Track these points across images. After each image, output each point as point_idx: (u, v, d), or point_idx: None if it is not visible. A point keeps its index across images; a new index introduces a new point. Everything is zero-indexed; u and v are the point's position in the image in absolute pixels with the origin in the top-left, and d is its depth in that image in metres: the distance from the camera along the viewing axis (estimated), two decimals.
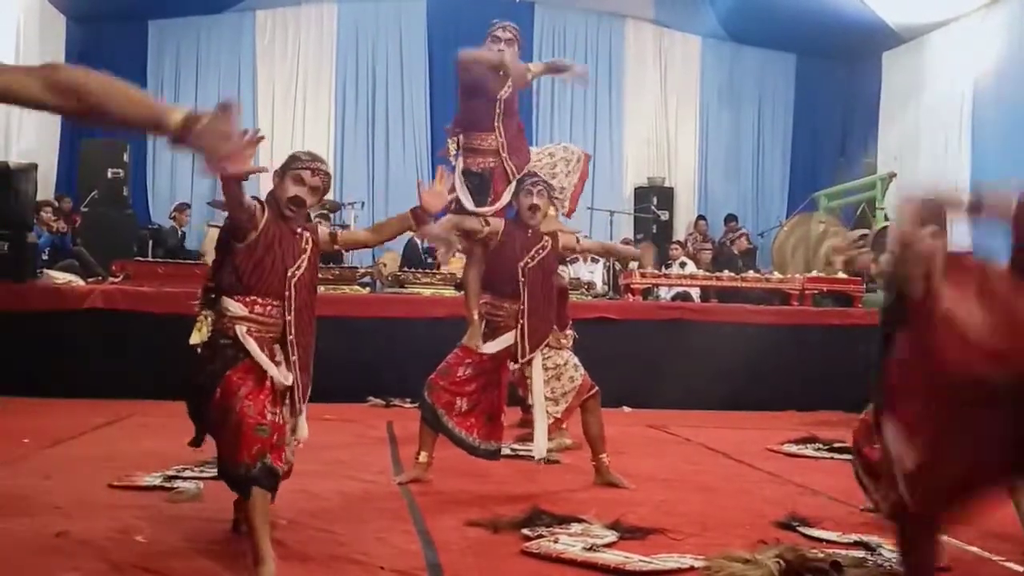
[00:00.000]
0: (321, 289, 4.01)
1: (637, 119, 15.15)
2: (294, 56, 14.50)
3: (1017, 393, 2.28)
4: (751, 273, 10.45)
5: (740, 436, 7.07)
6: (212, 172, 2.25)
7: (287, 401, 3.48)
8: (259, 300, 3.48)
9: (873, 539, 3.77)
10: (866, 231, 10.76)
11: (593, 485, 5.04)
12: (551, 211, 5.41)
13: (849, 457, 4.69)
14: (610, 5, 14.63)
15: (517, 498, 4.51)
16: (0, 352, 7.76)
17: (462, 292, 6.08)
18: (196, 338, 3.44)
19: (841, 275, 9.80)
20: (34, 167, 9.06)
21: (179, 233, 12.35)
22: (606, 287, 11.09)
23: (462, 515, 4.14)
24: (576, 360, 5.16)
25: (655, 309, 9.38)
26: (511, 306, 5.00)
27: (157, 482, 4.59)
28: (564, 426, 5.41)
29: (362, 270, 10.37)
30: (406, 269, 10.09)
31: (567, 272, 8.70)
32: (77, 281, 9.03)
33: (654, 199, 14.27)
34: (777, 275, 10.22)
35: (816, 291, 9.82)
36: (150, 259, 10.36)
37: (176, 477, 4.66)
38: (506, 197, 5.23)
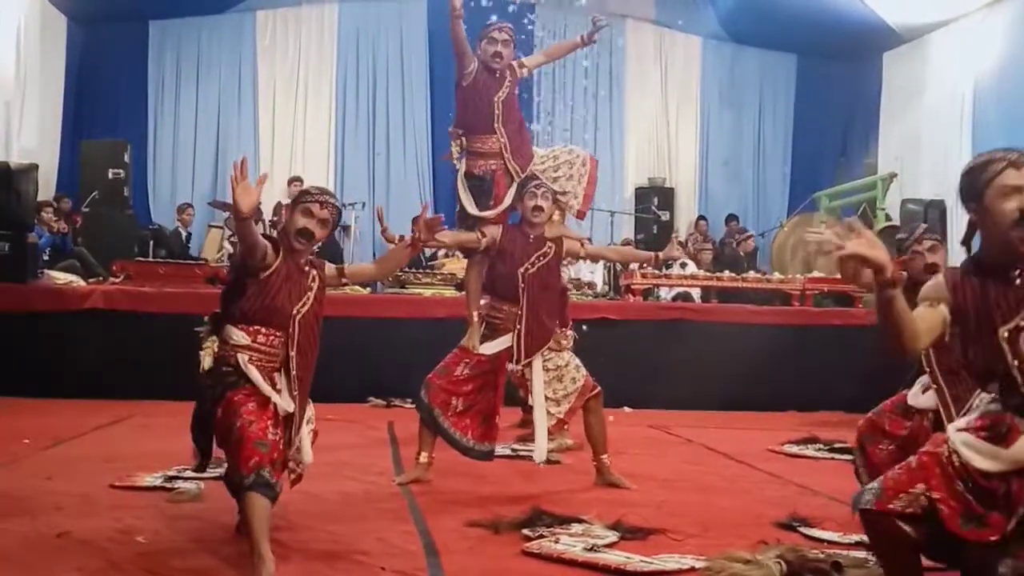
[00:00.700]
0: None
1: (638, 119, 15.15)
2: (295, 56, 14.49)
3: None
4: (752, 273, 10.45)
5: (741, 436, 7.07)
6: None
7: (287, 427, 3.51)
8: (263, 330, 3.53)
9: None
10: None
11: (594, 486, 5.04)
12: (556, 215, 5.40)
13: (850, 458, 4.69)
14: (610, 5, 14.62)
15: (518, 498, 4.51)
16: (1, 352, 7.76)
17: (463, 292, 6.08)
18: (205, 364, 3.48)
19: (839, 276, 9.77)
20: (35, 167, 9.06)
21: (183, 235, 12.35)
22: (606, 287, 11.09)
23: (463, 515, 4.14)
24: (577, 361, 5.17)
25: (656, 309, 9.38)
26: (511, 309, 5.00)
27: (158, 482, 4.59)
28: (566, 427, 5.42)
29: None
30: (407, 269, 10.08)
31: (567, 272, 8.70)
32: (78, 281, 9.04)
33: (655, 199, 14.26)
34: (778, 275, 10.22)
35: (817, 291, 9.81)
36: (151, 259, 10.35)
37: (177, 477, 4.66)
38: (507, 200, 5.21)
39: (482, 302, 5.18)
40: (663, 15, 14.92)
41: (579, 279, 10.39)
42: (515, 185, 5.23)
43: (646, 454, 6.10)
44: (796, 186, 14.99)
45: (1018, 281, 2.54)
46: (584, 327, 6.94)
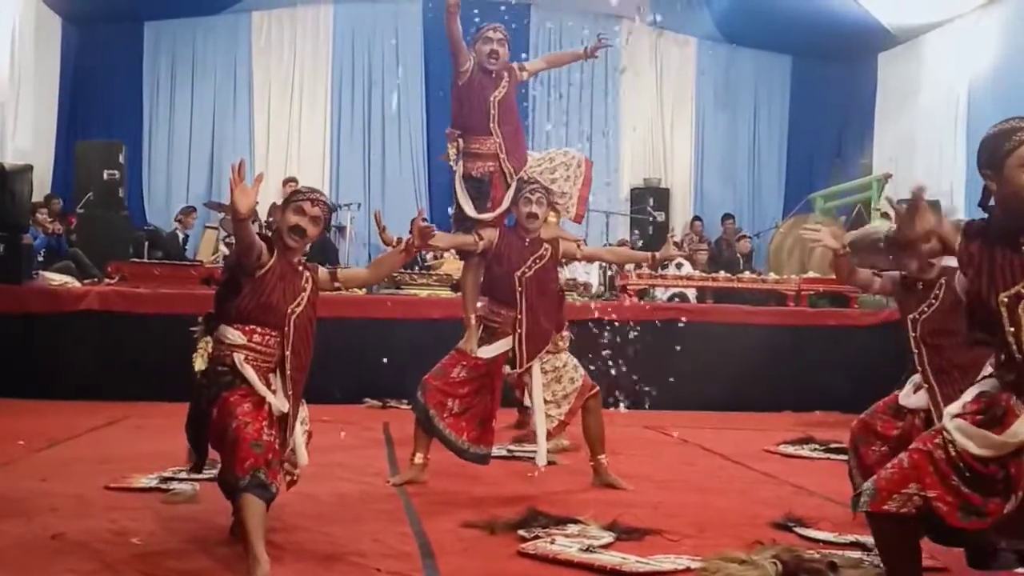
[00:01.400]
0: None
1: (633, 120, 15.15)
2: (290, 57, 14.48)
3: None
4: (747, 274, 10.46)
5: (737, 437, 7.08)
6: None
7: (282, 427, 3.51)
8: (258, 330, 3.53)
9: (869, 539, 3.76)
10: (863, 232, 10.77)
11: (589, 486, 5.04)
12: (552, 217, 5.40)
13: (845, 458, 4.70)
14: (606, 7, 14.63)
15: (513, 499, 4.51)
16: None
17: (459, 294, 6.07)
18: (199, 364, 3.47)
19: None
20: (30, 168, 9.04)
21: (181, 237, 12.32)
22: (602, 288, 11.09)
23: (458, 516, 4.14)
24: (575, 361, 5.16)
25: (651, 310, 9.38)
26: (508, 312, 5.00)
27: (153, 484, 4.59)
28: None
29: None
30: (402, 270, 10.08)
31: (563, 273, 8.69)
32: (73, 283, 9.02)
33: (650, 200, 14.27)
34: (773, 276, 10.22)
35: (812, 292, 9.82)
36: (146, 260, 10.34)
37: (172, 479, 4.66)
38: (505, 203, 5.20)
39: (479, 305, 5.17)
40: (658, 16, 14.92)
41: (575, 280, 10.37)
42: (513, 188, 5.21)
43: (642, 455, 6.10)
44: (791, 187, 15.00)
45: None
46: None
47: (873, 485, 2.55)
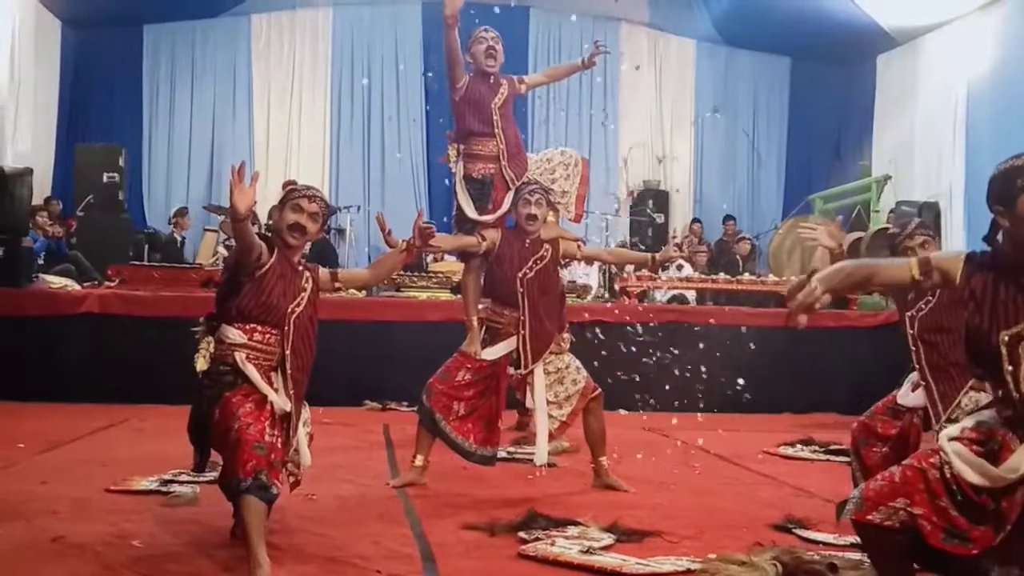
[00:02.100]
0: None
1: (632, 123, 15.16)
2: (289, 60, 14.48)
3: None
4: (747, 276, 10.46)
5: (736, 439, 7.07)
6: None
7: (284, 427, 3.51)
8: (259, 328, 3.54)
9: None
10: (861, 234, 10.78)
11: (589, 488, 5.04)
12: (551, 217, 5.40)
13: (845, 459, 4.70)
14: (605, 8, 14.65)
15: (514, 501, 4.52)
16: None
17: (459, 296, 6.07)
18: (201, 365, 3.46)
19: None
20: (29, 172, 9.05)
21: (179, 240, 12.32)
22: (602, 290, 11.09)
23: (458, 518, 4.14)
24: (578, 363, 5.17)
25: (651, 312, 9.38)
26: (511, 313, 5.01)
27: (153, 486, 4.59)
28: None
29: None
30: (402, 273, 10.08)
31: (564, 275, 8.69)
32: (73, 286, 9.03)
33: (650, 202, 14.28)
34: (773, 278, 10.22)
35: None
36: (146, 263, 10.35)
37: (172, 481, 4.66)
38: (506, 204, 5.20)
39: (480, 307, 5.18)
40: (657, 18, 14.94)
41: (574, 282, 10.38)
42: (513, 189, 5.21)
43: (642, 456, 6.10)
44: (790, 189, 15.01)
45: None
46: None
47: (860, 494, 2.55)
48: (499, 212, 5.20)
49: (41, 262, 9.87)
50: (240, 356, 3.48)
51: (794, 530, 4.08)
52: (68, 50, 13.20)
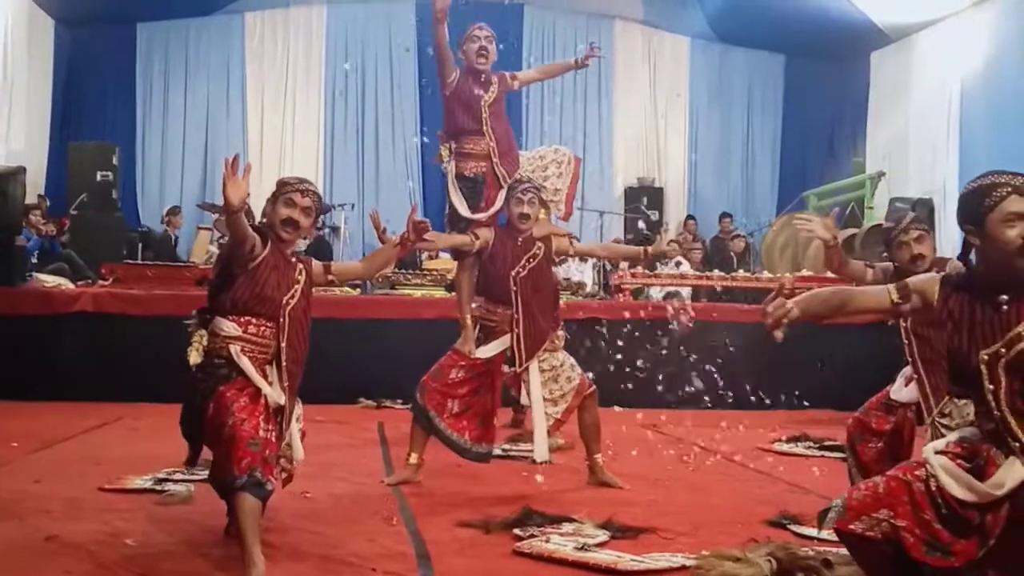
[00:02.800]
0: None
1: (626, 120, 15.16)
2: (283, 58, 14.47)
3: None
4: (741, 272, 10.46)
5: (731, 435, 7.08)
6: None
7: (279, 420, 3.49)
8: (253, 321, 3.52)
9: None
10: (855, 230, 10.80)
11: (584, 485, 5.04)
12: (542, 214, 5.40)
13: (840, 455, 4.70)
14: (599, 6, 14.65)
15: (508, 498, 4.52)
16: None
17: (453, 294, 6.06)
18: (194, 358, 3.45)
19: (830, 275, 9.79)
20: (22, 170, 9.02)
21: (172, 239, 12.30)
22: (596, 287, 11.09)
23: (453, 516, 4.14)
24: (572, 360, 5.17)
25: (646, 309, 9.37)
26: (505, 311, 5.01)
27: (147, 485, 4.58)
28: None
29: None
30: (396, 271, 10.08)
31: (557, 272, 8.68)
32: (66, 284, 9.01)
33: (644, 199, 14.28)
34: (767, 274, 10.22)
35: (805, 290, 9.79)
36: (139, 262, 10.33)
37: (166, 480, 4.66)
38: (499, 202, 5.20)
39: (474, 305, 5.17)
40: (651, 15, 14.94)
41: (568, 279, 10.37)
42: (506, 188, 5.21)
43: (636, 453, 6.11)
44: (785, 186, 15.03)
45: (1004, 307, 2.53)
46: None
47: (843, 503, 2.54)
48: (492, 210, 5.20)
49: (35, 261, 9.86)
50: (235, 349, 3.46)
51: (789, 526, 4.08)
52: (61, 48, 13.18)
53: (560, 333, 5.94)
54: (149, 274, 9.13)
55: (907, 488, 2.51)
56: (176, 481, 4.61)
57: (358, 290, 9.88)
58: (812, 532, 3.96)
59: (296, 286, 3.62)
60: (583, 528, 3.89)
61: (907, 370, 4.10)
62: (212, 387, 3.42)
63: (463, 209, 5.19)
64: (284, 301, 3.56)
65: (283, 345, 3.54)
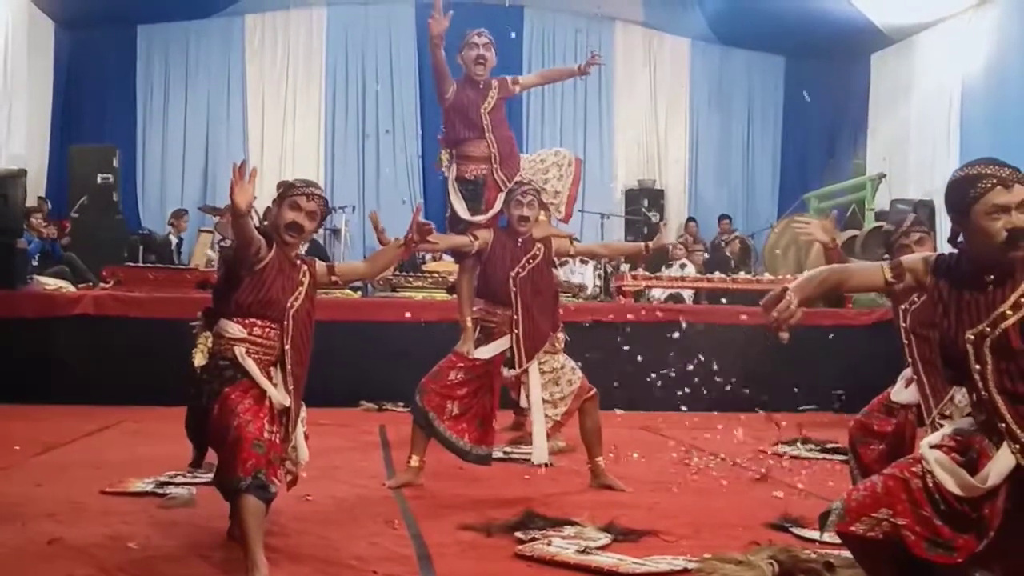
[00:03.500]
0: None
1: (627, 121, 15.16)
2: (284, 60, 14.47)
3: None
4: (742, 274, 10.46)
5: (732, 437, 7.08)
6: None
7: (283, 422, 3.50)
8: (258, 323, 3.53)
9: None
10: (855, 232, 10.80)
11: (585, 487, 5.04)
12: (542, 216, 5.41)
13: (841, 458, 4.70)
14: (598, 8, 14.65)
15: (510, 501, 4.52)
16: None
17: (454, 296, 6.07)
18: (199, 360, 3.45)
19: None
20: (23, 173, 9.05)
21: (175, 241, 12.28)
22: (597, 289, 11.09)
23: (455, 518, 4.14)
24: (573, 363, 5.17)
25: (647, 311, 9.38)
26: (504, 312, 5.02)
27: (149, 488, 4.59)
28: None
29: None
30: (398, 273, 10.08)
31: (558, 275, 8.69)
32: (67, 287, 9.02)
33: (644, 201, 14.27)
34: (768, 276, 10.23)
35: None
36: (141, 264, 10.32)
37: (168, 483, 4.66)
38: (499, 204, 5.21)
39: (475, 307, 5.18)
40: (651, 17, 14.94)
41: (569, 281, 10.37)
42: (506, 191, 5.21)
43: (638, 456, 6.11)
44: (785, 188, 15.03)
45: (990, 287, 2.54)
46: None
47: (842, 505, 2.54)
48: (491, 212, 5.21)
49: (35, 263, 9.85)
50: (240, 351, 3.47)
51: (791, 529, 4.08)
52: (61, 51, 13.18)
53: (560, 335, 5.95)
54: (150, 277, 9.13)
55: (905, 486, 2.51)
56: (178, 484, 4.61)
57: (359, 293, 9.89)
58: (814, 535, 3.96)
59: (300, 288, 3.63)
60: (585, 531, 3.89)
61: (907, 372, 4.10)
62: (218, 388, 3.42)
63: (463, 212, 5.21)
64: (288, 303, 3.56)
65: (287, 347, 3.54)
